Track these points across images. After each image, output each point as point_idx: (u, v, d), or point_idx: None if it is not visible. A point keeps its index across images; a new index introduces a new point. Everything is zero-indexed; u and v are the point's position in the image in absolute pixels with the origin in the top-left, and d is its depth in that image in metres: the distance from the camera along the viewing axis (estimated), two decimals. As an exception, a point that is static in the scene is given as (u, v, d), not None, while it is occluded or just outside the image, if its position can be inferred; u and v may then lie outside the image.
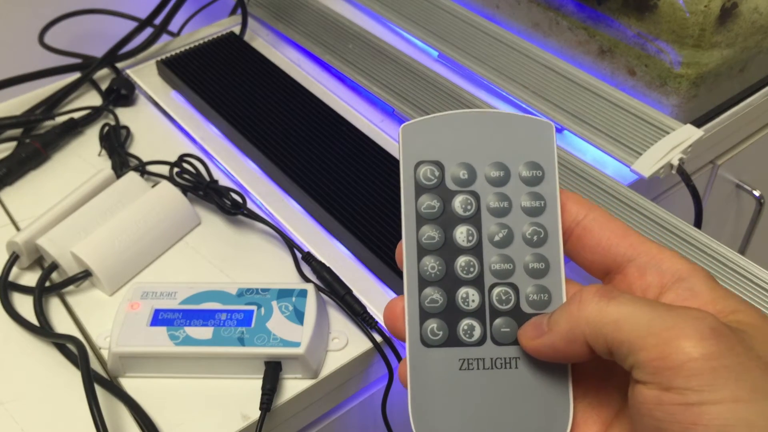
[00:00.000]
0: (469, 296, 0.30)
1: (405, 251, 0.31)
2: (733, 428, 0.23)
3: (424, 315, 0.30)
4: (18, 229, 0.56)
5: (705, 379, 0.24)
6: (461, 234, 0.31)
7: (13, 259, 0.51)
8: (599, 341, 0.27)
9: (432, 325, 0.30)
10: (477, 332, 0.30)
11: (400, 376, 0.31)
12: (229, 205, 0.55)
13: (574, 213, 0.31)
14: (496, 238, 0.31)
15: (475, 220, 0.31)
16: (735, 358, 0.24)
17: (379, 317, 0.48)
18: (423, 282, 0.30)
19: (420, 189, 0.31)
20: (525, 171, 0.31)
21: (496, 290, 0.30)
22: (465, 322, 0.30)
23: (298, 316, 0.46)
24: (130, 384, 0.46)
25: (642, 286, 0.29)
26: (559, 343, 0.28)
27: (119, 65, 0.70)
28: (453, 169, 0.31)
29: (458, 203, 0.31)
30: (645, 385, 0.25)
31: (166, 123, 0.65)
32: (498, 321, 0.30)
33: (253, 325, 0.45)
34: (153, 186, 0.56)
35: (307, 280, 0.51)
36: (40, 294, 0.50)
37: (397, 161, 0.58)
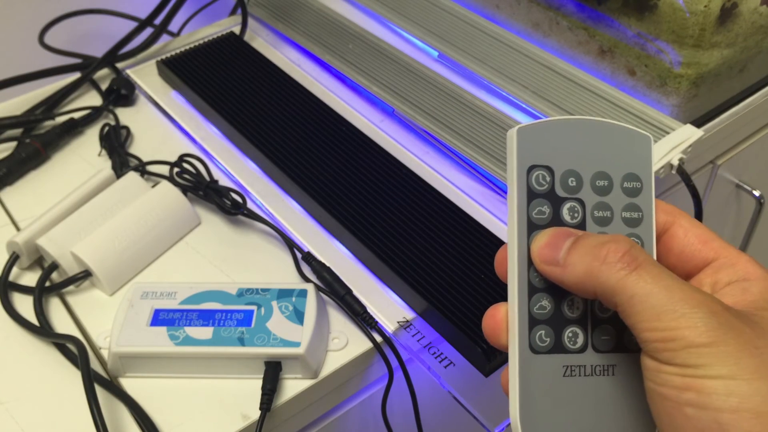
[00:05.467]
0: (574, 303, 0.31)
1: (516, 256, 0.30)
2: (726, 398, 0.24)
3: (533, 322, 0.30)
4: (18, 229, 0.56)
5: (705, 359, 0.25)
6: None
7: (13, 259, 0.51)
8: (609, 301, 0.28)
9: (540, 331, 0.30)
10: (580, 339, 0.30)
11: (502, 382, 0.31)
12: (229, 205, 0.55)
13: (663, 221, 0.32)
14: None
15: (580, 228, 0.31)
16: (738, 345, 0.25)
17: (379, 317, 0.48)
18: (532, 289, 0.30)
19: (532, 194, 0.31)
20: (626, 182, 0.31)
21: None
22: (570, 329, 0.30)
23: (298, 316, 0.46)
24: (130, 384, 0.46)
25: (711, 282, 0.30)
26: (567, 281, 0.29)
27: (119, 65, 0.70)
28: (562, 175, 0.31)
29: (566, 210, 0.31)
30: (646, 355, 0.27)
31: (166, 123, 0.65)
32: (598, 328, 0.31)
33: (253, 325, 0.45)
34: (153, 186, 0.56)
35: (307, 280, 0.51)
36: (40, 294, 0.50)
37: (396, 161, 0.58)
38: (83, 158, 0.62)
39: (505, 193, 0.56)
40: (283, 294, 0.47)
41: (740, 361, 0.25)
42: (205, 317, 0.46)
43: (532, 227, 0.31)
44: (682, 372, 0.25)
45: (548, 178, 0.31)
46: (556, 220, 0.31)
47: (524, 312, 0.30)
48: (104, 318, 0.49)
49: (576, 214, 0.31)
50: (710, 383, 0.25)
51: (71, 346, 0.47)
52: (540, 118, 0.62)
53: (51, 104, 0.66)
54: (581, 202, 0.31)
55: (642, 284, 0.27)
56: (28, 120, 0.63)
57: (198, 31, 0.75)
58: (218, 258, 0.53)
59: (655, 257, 0.31)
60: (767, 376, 0.25)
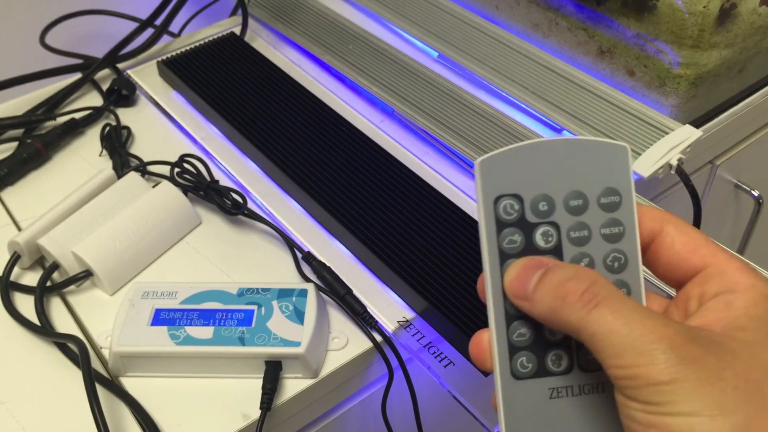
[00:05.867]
0: None
1: (490, 287, 0.30)
2: None
3: (513, 349, 0.30)
4: (19, 229, 0.56)
5: (667, 396, 0.24)
6: None
7: (15, 259, 0.52)
8: (576, 338, 0.28)
9: (521, 358, 0.30)
10: (564, 361, 0.30)
11: (493, 404, 0.31)
12: (230, 205, 0.55)
13: (649, 229, 0.31)
14: None
15: (556, 251, 0.31)
16: (700, 380, 0.25)
17: (379, 316, 0.49)
18: (510, 317, 0.30)
19: (501, 224, 0.30)
20: (603, 197, 0.31)
21: None
22: (553, 353, 0.30)
23: (299, 316, 0.46)
24: (130, 383, 0.46)
25: (698, 294, 0.29)
26: (536, 316, 0.29)
27: (120, 66, 0.71)
28: (532, 200, 0.30)
29: (539, 235, 0.30)
30: (616, 389, 0.26)
31: (167, 123, 0.66)
32: (584, 348, 0.30)
33: (253, 324, 0.45)
34: (154, 186, 0.56)
35: (307, 279, 0.51)
36: (41, 294, 0.50)
37: (396, 161, 0.58)
38: (84, 158, 0.62)
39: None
40: (284, 294, 0.47)
41: (702, 397, 0.24)
42: (206, 317, 0.46)
43: (504, 257, 0.30)
44: (645, 409, 0.25)
45: (516, 206, 0.30)
46: (529, 247, 0.30)
47: (503, 340, 0.30)
48: (105, 318, 0.49)
49: (550, 238, 0.30)
50: (672, 421, 0.24)
51: (72, 346, 0.47)
52: (540, 118, 0.62)
53: (52, 104, 0.66)
54: (555, 225, 0.31)
55: (602, 321, 0.26)
56: (29, 120, 0.63)
57: (198, 32, 0.75)
58: (219, 258, 0.54)
59: (641, 269, 0.31)
60: (730, 410, 0.24)
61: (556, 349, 0.30)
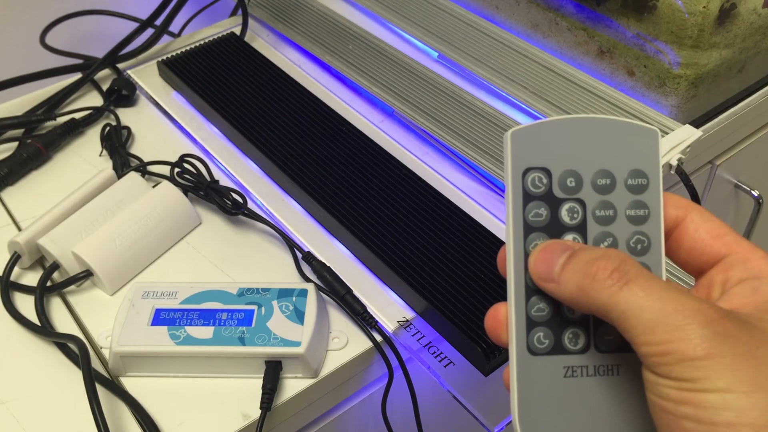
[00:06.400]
0: None
1: (512, 259, 0.30)
2: (722, 412, 0.24)
3: (531, 324, 0.30)
4: (19, 229, 0.56)
5: (701, 372, 0.24)
6: None
7: (15, 259, 0.52)
8: (605, 318, 0.27)
9: (539, 333, 0.30)
10: (582, 340, 0.30)
11: (504, 380, 0.31)
12: (230, 205, 0.55)
13: (673, 216, 0.31)
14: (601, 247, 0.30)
15: (581, 228, 0.31)
16: (735, 356, 0.24)
17: (379, 316, 0.49)
18: (529, 291, 0.30)
19: (528, 196, 0.30)
20: (630, 179, 0.31)
21: None
22: (570, 330, 0.30)
23: (299, 316, 0.46)
24: (130, 383, 0.46)
25: (722, 280, 0.29)
26: (562, 297, 0.29)
27: (120, 66, 0.71)
28: (560, 176, 0.30)
29: (565, 211, 0.31)
30: (645, 367, 0.26)
31: (167, 123, 0.66)
32: (602, 328, 0.30)
33: (253, 324, 0.45)
34: (154, 186, 0.56)
35: (307, 279, 0.51)
36: (42, 294, 0.50)
37: (396, 161, 0.58)
38: (84, 158, 0.62)
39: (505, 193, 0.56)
40: (284, 294, 0.47)
41: (737, 373, 0.24)
42: (206, 317, 0.46)
43: (528, 230, 0.30)
44: (678, 386, 0.25)
45: (545, 180, 0.30)
46: (554, 221, 0.30)
47: (521, 314, 0.30)
48: (105, 317, 0.49)
49: (575, 215, 0.31)
50: (707, 397, 0.24)
51: (72, 346, 0.47)
52: (539, 118, 0.62)
53: (52, 105, 0.66)
54: (581, 202, 0.31)
55: (633, 298, 0.26)
56: (29, 120, 0.63)
57: (199, 32, 0.75)
58: (219, 258, 0.54)
59: (663, 254, 0.31)
60: (765, 387, 0.24)
61: (574, 327, 0.30)
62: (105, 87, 0.68)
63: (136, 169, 0.58)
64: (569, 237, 0.31)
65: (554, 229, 0.31)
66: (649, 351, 0.25)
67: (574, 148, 0.31)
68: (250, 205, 0.56)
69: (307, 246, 0.54)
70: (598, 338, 0.30)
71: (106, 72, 0.70)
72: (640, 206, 0.31)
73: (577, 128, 0.31)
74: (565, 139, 0.31)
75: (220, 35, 0.71)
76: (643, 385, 0.27)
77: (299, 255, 0.52)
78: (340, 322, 0.49)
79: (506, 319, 0.30)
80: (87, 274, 0.50)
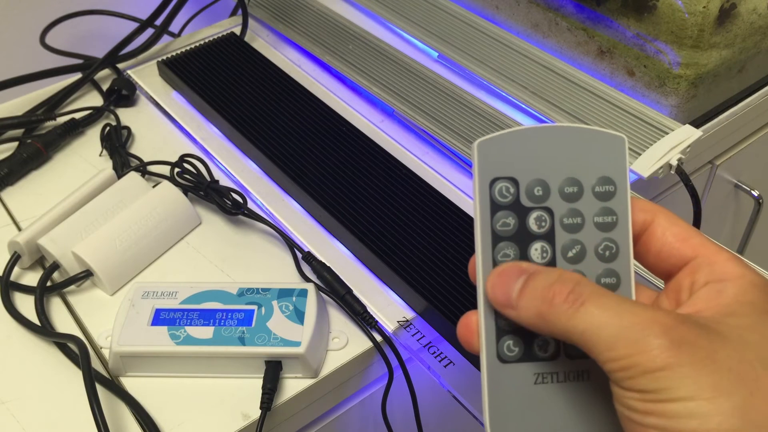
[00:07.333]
0: None
1: (481, 268, 0.30)
2: (687, 421, 0.24)
3: (500, 332, 0.30)
4: (19, 229, 0.56)
5: (663, 383, 0.25)
6: (536, 251, 0.31)
7: (15, 259, 0.52)
8: (567, 341, 0.28)
9: (508, 341, 0.30)
10: (551, 347, 0.30)
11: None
12: (230, 205, 0.55)
13: (641, 220, 0.31)
14: (570, 254, 0.31)
15: (549, 237, 0.31)
16: (694, 363, 0.25)
17: (379, 316, 0.49)
18: None
19: (495, 206, 0.31)
20: (598, 186, 0.31)
21: None
22: (540, 338, 0.30)
23: (299, 316, 0.46)
24: (130, 383, 0.46)
25: (689, 283, 0.29)
26: (523, 323, 0.29)
27: (120, 66, 0.71)
28: (527, 185, 0.31)
29: (533, 220, 0.31)
30: (612, 382, 0.26)
31: (167, 123, 0.66)
32: None
33: (253, 324, 0.45)
34: (154, 186, 0.56)
35: (307, 279, 0.51)
36: (42, 294, 0.50)
37: (396, 161, 0.58)
38: (84, 158, 0.62)
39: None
40: (284, 294, 0.47)
41: (698, 381, 0.24)
42: (206, 317, 0.46)
43: (497, 239, 0.30)
44: (643, 397, 0.25)
45: (512, 190, 0.30)
46: (522, 230, 0.31)
47: (491, 322, 0.30)
48: (105, 317, 0.49)
49: (543, 223, 0.31)
50: (671, 407, 0.24)
51: (72, 346, 0.47)
52: (539, 118, 0.62)
53: (52, 105, 0.66)
54: (549, 210, 0.31)
55: (590, 318, 0.26)
56: (29, 120, 0.63)
57: (199, 32, 0.75)
58: (219, 258, 0.54)
59: (632, 259, 0.31)
60: (727, 391, 0.24)
61: None
62: (105, 87, 0.68)
63: (136, 169, 0.58)
64: (537, 245, 0.31)
65: (522, 237, 0.31)
66: (613, 367, 0.26)
67: (541, 158, 0.31)
68: (250, 205, 0.56)
69: (307, 246, 0.54)
70: (568, 345, 0.30)
71: (106, 72, 0.70)
72: (608, 213, 0.31)
73: (544, 137, 0.31)
74: (532, 148, 0.31)
75: (220, 35, 0.71)
76: None
77: (299, 255, 0.52)
78: (340, 322, 0.49)
79: (477, 327, 0.31)
80: (87, 274, 0.50)
